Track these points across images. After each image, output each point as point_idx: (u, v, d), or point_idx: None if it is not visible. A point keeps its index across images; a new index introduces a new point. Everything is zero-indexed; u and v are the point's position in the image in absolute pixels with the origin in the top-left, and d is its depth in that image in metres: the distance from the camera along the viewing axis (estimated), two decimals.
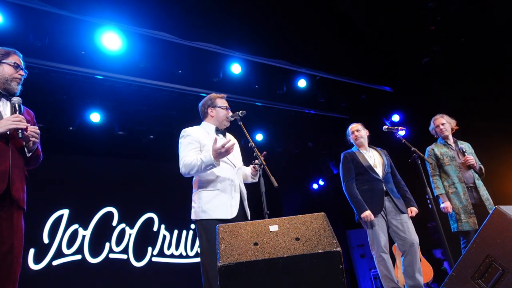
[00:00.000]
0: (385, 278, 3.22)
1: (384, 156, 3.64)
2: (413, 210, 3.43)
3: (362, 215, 3.32)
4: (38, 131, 2.10)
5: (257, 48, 5.21)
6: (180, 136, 2.65)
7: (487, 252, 1.81)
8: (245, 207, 2.60)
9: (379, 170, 3.49)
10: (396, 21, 5.20)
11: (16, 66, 2.18)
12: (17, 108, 2.07)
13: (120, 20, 4.38)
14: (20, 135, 1.99)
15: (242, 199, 2.59)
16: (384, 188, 3.42)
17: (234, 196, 2.53)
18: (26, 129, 2.02)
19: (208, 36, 4.84)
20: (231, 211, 2.48)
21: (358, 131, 3.66)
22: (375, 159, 3.58)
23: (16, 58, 2.22)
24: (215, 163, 2.37)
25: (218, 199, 2.48)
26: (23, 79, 2.25)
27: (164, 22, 4.54)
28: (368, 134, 3.71)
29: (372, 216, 3.28)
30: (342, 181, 3.61)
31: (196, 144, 2.57)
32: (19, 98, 2.13)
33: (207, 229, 2.42)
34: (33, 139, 2.07)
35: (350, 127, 3.76)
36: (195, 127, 2.73)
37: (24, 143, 2.10)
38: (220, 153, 2.35)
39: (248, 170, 2.74)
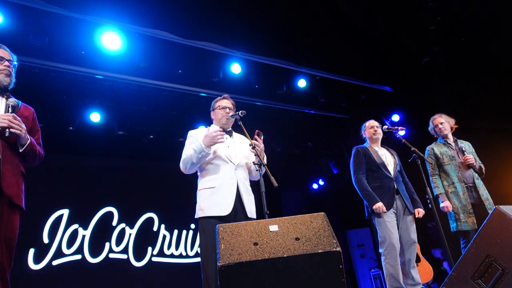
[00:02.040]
0: (390, 277, 3.19)
1: (395, 156, 3.66)
2: (420, 211, 3.44)
3: (374, 207, 3.28)
4: (17, 122, 2.02)
5: (257, 47, 5.20)
6: (186, 138, 2.77)
7: (487, 252, 1.81)
8: (244, 204, 2.56)
9: (390, 169, 3.49)
10: (396, 21, 5.20)
11: (0, 59, 2.17)
12: (9, 110, 2.06)
13: (120, 20, 4.38)
14: (7, 134, 1.96)
15: (241, 196, 2.57)
16: (395, 186, 3.42)
17: (230, 193, 2.53)
18: (13, 128, 1.99)
19: (208, 35, 4.84)
20: (226, 208, 2.47)
21: (377, 127, 3.67)
22: (386, 157, 3.58)
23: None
24: (206, 149, 2.49)
25: (214, 197, 2.52)
26: (14, 69, 2.23)
27: (164, 21, 4.53)
28: (382, 134, 3.72)
29: (384, 208, 3.26)
30: (352, 175, 3.58)
31: (196, 144, 2.62)
32: (15, 100, 2.12)
33: (204, 227, 2.47)
34: (13, 130, 1.99)
35: (368, 123, 3.75)
36: (201, 128, 2.85)
37: (15, 139, 2.07)
38: (206, 137, 2.48)
39: (253, 165, 2.72)
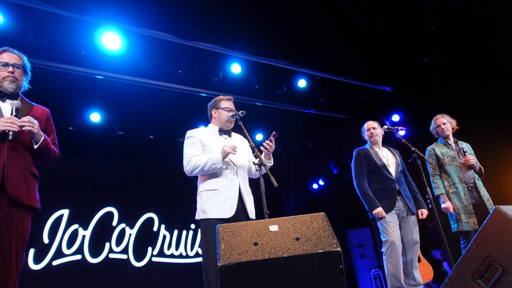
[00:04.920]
0: (392, 277, 3.19)
1: (397, 156, 3.65)
2: (424, 212, 3.43)
3: (374, 212, 3.30)
4: (28, 119, 2.03)
5: (257, 48, 5.20)
6: (185, 138, 2.75)
7: (487, 252, 1.81)
8: (246, 205, 2.58)
9: (392, 170, 3.49)
10: (396, 21, 5.20)
11: (4, 65, 2.16)
12: (13, 111, 2.06)
13: (120, 20, 4.38)
14: (10, 137, 1.96)
15: (243, 198, 2.58)
16: (397, 187, 3.42)
17: (233, 195, 2.54)
18: (19, 131, 2.00)
19: (208, 36, 4.84)
20: (229, 211, 2.48)
21: (374, 129, 3.66)
22: (388, 158, 3.58)
23: (2, 57, 2.19)
24: (222, 161, 2.48)
25: (216, 199, 2.52)
26: (23, 72, 2.23)
27: (164, 22, 4.53)
28: (383, 133, 3.71)
29: (384, 213, 3.28)
30: (353, 178, 3.58)
31: (198, 145, 2.67)
32: (19, 102, 2.12)
33: (206, 229, 2.47)
34: (26, 128, 2.00)
35: (366, 124, 3.75)
36: (200, 128, 2.85)
37: (30, 136, 2.08)
38: (226, 152, 2.47)
39: (253, 165, 2.75)
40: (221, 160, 2.47)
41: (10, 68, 2.17)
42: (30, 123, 2.03)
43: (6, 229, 1.92)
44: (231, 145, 2.47)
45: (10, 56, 2.21)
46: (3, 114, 2.10)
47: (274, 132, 2.59)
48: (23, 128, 2.01)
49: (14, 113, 2.06)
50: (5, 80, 2.15)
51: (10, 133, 1.97)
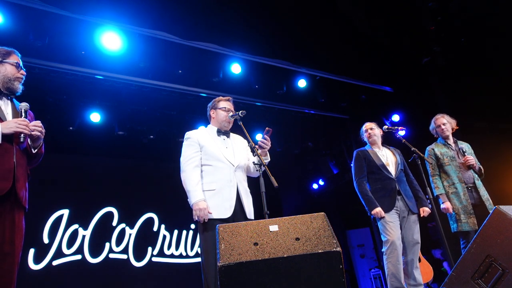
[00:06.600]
0: (392, 277, 3.19)
1: (397, 155, 3.66)
2: (425, 210, 3.43)
3: (373, 212, 3.32)
4: (40, 124, 2.09)
5: (257, 48, 5.20)
6: (184, 139, 2.77)
7: (487, 252, 1.81)
8: (244, 205, 2.59)
9: (391, 169, 3.50)
10: (396, 21, 5.20)
11: (18, 66, 2.22)
12: (23, 114, 2.11)
13: (120, 20, 4.38)
14: (21, 139, 2.00)
15: (240, 198, 2.59)
16: (397, 187, 3.42)
17: (231, 196, 2.55)
18: (29, 135, 2.05)
19: (208, 36, 4.84)
20: (227, 211, 2.49)
21: (372, 129, 3.69)
22: (387, 157, 3.59)
23: (17, 58, 2.25)
24: (192, 202, 2.48)
25: (215, 199, 2.52)
26: (24, 78, 2.28)
27: (164, 22, 4.53)
28: (382, 133, 3.72)
29: (383, 212, 3.29)
30: (353, 179, 3.61)
31: (195, 146, 2.67)
32: (27, 104, 2.16)
33: (204, 229, 2.48)
34: (35, 133, 2.06)
35: (364, 126, 3.78)
36: (200, 129, 2.87)
37: (29, 140, 2.12)
38: (200, 208, 2.43)
39: (251, 164, 2.75)
40: (193, 204, 2.46)
41: (23, 71, 2.25)
42: (42, 128, 2.09)
43: (9, 229, 1.96)
44: (205, 214, 2.43)
45: (20, 60, 2.27)
46: (3, 112, 2.12)
47: (267, 128, 2.59)
48: (33, 133, 2.05)
49: (23, 115, 2.10)
50: (17, 80, 2.21)
51: (22, 135, 2.00)
